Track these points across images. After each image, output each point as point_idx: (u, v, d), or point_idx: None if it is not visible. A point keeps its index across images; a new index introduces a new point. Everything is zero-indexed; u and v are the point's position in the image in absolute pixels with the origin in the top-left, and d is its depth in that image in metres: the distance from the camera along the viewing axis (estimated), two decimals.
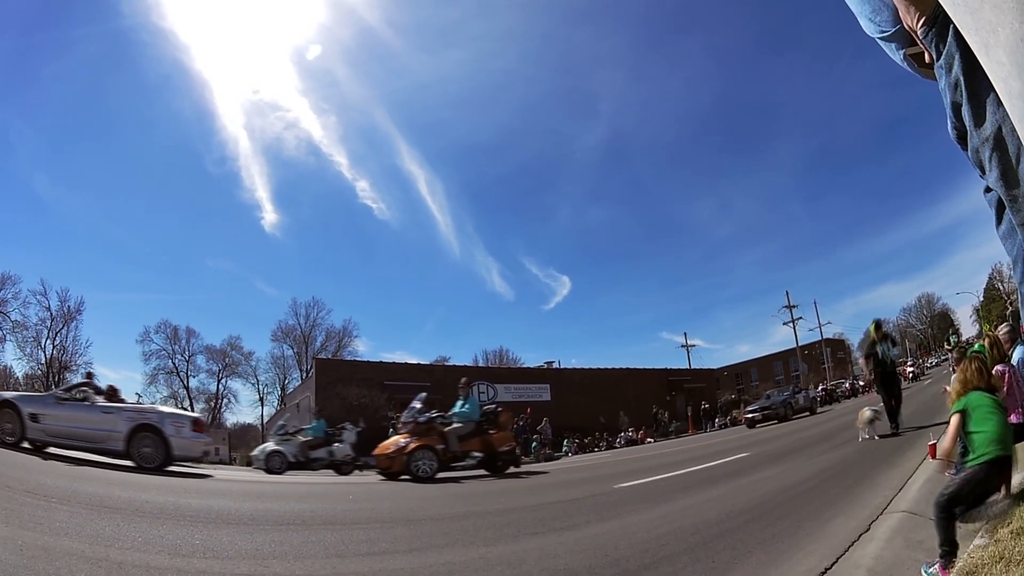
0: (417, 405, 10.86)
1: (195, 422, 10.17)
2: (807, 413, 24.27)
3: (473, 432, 10.78)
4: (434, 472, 9.73)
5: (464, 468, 10.50)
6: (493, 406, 12.89)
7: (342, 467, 14.15)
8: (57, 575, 2.71)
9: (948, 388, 6.03)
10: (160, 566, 3.11)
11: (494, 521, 5.49)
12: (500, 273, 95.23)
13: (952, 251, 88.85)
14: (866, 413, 9.06)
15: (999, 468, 2.73)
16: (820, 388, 34.29)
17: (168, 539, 3.85)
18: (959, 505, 2.75)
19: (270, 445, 14.50)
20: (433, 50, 79.63)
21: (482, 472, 10.80)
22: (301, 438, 14.62)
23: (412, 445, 9.99)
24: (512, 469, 11.30)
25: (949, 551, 2.68)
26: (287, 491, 8.67)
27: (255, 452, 15.87)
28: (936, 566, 2.63)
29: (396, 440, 10.56)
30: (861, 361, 8.66)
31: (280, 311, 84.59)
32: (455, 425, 10.65)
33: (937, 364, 45.34)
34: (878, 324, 10.40)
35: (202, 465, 11.98)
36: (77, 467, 7.65)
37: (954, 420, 2.90)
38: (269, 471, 13.06)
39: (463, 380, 12.02)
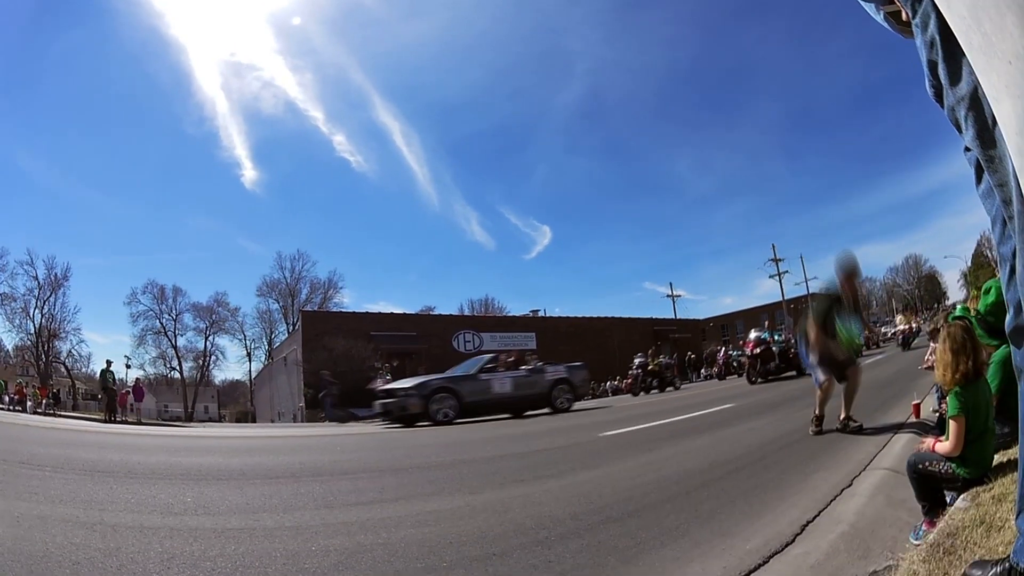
0: None
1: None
2: (547, 409, 13.24)
3: None
4: None
5: None
6: None
7: None
8: (54, 543, 2.70)
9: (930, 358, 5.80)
10: (153, 526, 3.13)
11: (480, 469, 5.58)
12: (480, 223, 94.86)
13: (939, 214, 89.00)
14: None
15: (975, 484, 2.67)
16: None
17: (160, 498, 3.87)
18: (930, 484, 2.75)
19: None
20: (411, 13, 77.08)
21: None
22: None
23: None
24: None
25: (930, 507, 2.70)
26: (277, 445, 8.78)
27: None
28: (923, 523, 2.64)
29: None
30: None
31: (264, 266, 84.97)
32: None
33: (892, 335, 33.62)
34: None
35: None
36: (69, 435, 7.68)
37: (956, 426, 2.64)
38: None
39: None
